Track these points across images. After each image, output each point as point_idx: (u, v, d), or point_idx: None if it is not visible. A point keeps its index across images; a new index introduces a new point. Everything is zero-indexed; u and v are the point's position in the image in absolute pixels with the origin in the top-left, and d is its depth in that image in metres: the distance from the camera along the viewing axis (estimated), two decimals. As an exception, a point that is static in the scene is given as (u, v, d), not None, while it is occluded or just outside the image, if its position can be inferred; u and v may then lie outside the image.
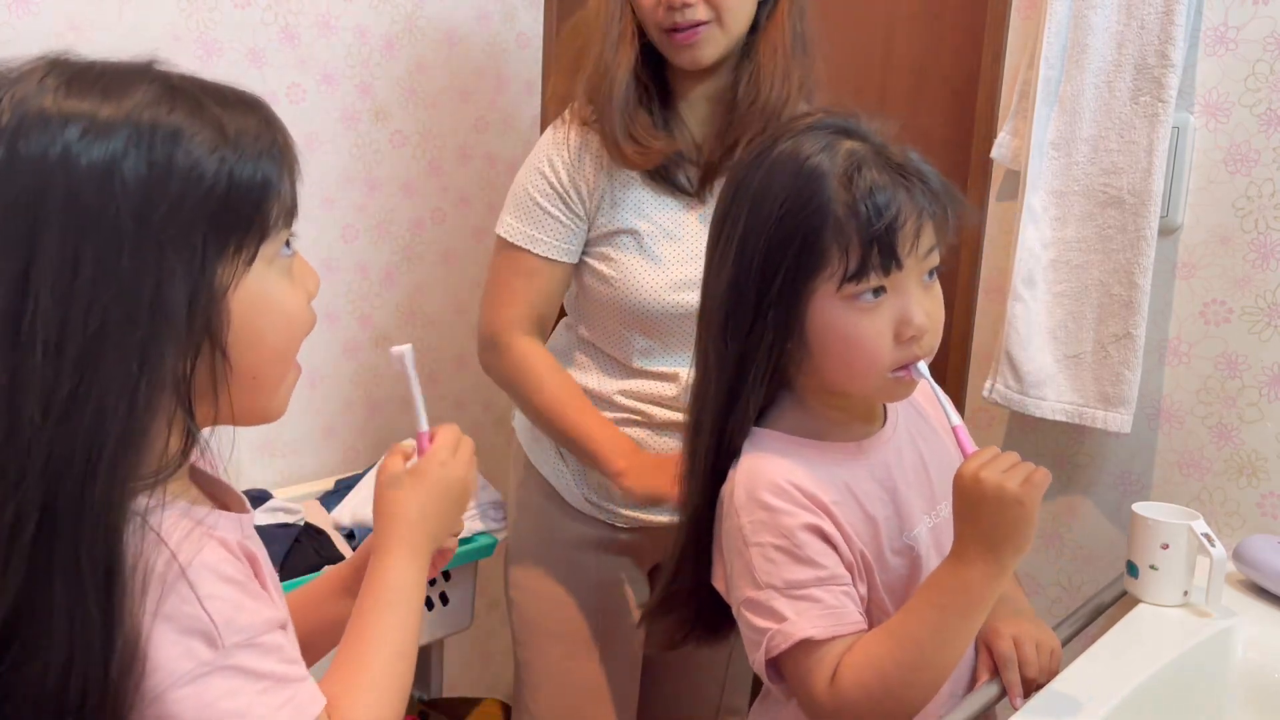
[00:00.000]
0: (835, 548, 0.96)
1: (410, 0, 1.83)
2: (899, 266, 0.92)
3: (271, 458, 1.77)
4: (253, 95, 0.71)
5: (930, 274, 0.96)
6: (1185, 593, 1.14)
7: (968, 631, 0.91)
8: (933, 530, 1.03)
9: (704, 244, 1.27)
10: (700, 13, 1.24)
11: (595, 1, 1.31)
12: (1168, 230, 1.34)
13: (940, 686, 0.94)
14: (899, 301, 0.93)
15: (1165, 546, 1.14)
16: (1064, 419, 1.38)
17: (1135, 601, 1.16)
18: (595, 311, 1.38)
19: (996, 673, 1.02)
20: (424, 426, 0.89)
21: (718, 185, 1.31)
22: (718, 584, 1.03)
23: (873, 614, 0.98)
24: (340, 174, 1.79)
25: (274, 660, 0.68)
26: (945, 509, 1.04)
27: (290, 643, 0.71)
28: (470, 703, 1.81)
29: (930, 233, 0.94)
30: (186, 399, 0.67)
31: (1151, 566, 1.14)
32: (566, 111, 1.36)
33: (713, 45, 1.27)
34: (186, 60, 1.55)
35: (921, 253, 0.94)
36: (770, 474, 0.96)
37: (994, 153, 1.44)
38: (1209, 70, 1.31)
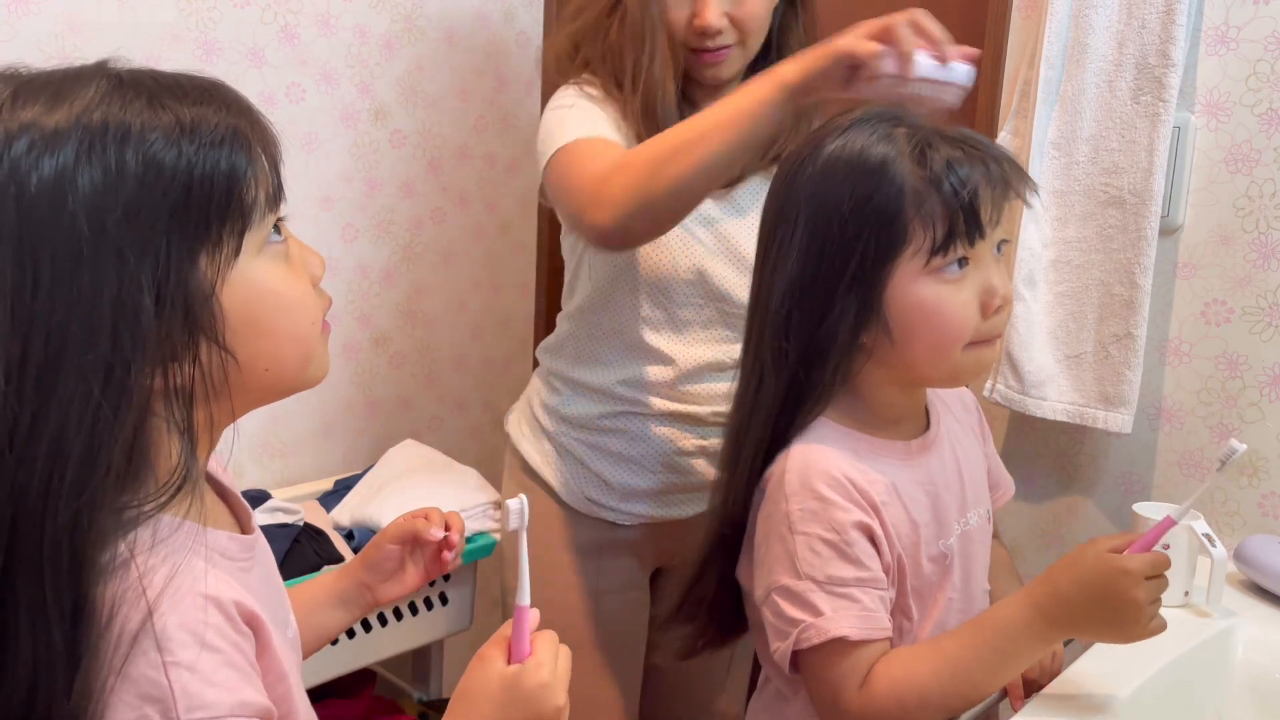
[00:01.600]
0: (879, 549, 0.95)
1: (410, 0, 1.83)
2: (982, 235, 0.93)
3: (271, 458, 1.77)
4: (211, 80, 0.67)
5: (999, 247, 0.97)
6: (1186, 593, 1.14)
7: (1016, 673, 0.94)
8: (961, 537, 1.02)
9: (720, 213, 1.30)
10: (727, 38, 1.27)
11: (632, 9, 1.27)
12: (1168, 230, 1.34)
13: (968, 711, 0.95)
14: (981, 273, 0.95)
15: (1166, 547, 1.13)
16: (1065, 419, 1.38)
17: (1136, 602, 1.16)
18: (604, 277, 1.35)
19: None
20: (525, 600, 0.80)
21: (739, 188, 1.33)
22: (742, 573, 1.02)
23: (895, 617, 0.97)
24: (340, 174, 1.79)
25: None
26: (974, 516, 1.05)
27: None
28: (470, 703, 1.80)
29: (1004, 207, 0.96)
30: (185, 409, 0.63)
31: (1152, 566, 1.14)
32: (584, 88, 1.30)
33: (734, 65, 1.30)
34: (186, 60, 1.57)
35: (996, 223, 0.95)
36: (825, 464, 0.95)
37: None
38: (1210, 70, 1.31)
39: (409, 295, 1.93)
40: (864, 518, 0.93)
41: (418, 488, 1.65)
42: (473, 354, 2.05)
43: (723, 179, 1.13)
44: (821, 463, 0.95)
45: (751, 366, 1.01)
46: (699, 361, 1.34)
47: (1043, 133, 1.37)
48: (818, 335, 0.95)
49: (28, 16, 1.44)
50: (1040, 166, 1.38)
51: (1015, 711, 0.96)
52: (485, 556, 1.63)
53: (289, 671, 0.71)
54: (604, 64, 1.31)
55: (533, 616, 0.79)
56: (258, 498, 1.62)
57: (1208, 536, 1.12)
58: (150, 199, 0.61)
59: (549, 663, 0.78)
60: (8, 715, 0.59)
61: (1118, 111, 1.32)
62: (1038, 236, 1.38)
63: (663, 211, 1.12)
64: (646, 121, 1.29)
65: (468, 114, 1.95)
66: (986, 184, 0.93)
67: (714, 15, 1.25)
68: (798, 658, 0.94)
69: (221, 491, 0.77)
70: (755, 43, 1.30)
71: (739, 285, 1.31)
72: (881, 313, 0.94)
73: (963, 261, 0.94)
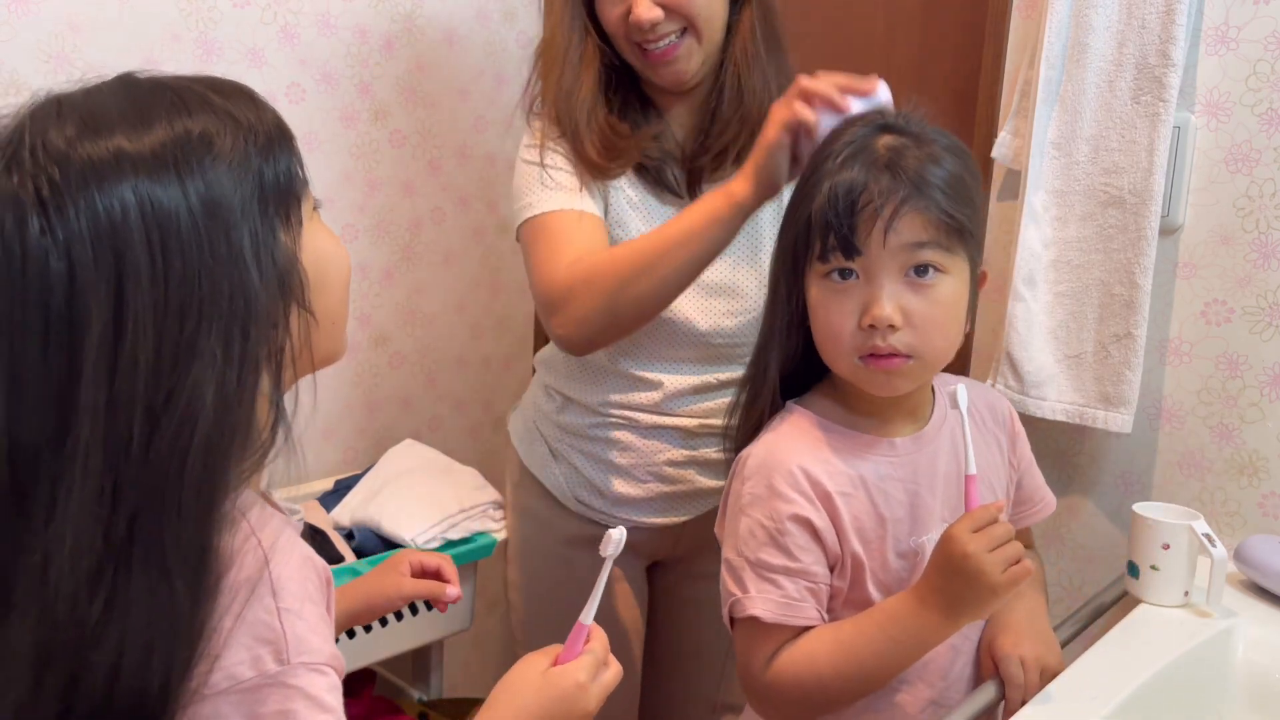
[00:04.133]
0: (822, 542, 0.99)
1: (410, 0, 1.83)
2: (857, 252, 0.94)
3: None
4: (231, 81, 0.75)
5: (923, 271, 0.95)
6: (1186, 593, 1.14)
7: (907, 660, 0.97)
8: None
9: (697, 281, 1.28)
10: (669, 27, 1.21)
11: (552, 25, 1.27)
12: (1168, 230, 1.34)
13: (868, 694, 0.99)
14: (868, 289, 0.95)
15: (1166, 547, 1.14)
16: (1065, 419, 1.38)
17: (1136, 602, 1.16)
18: None
19: (996, 673, 1.03)
20: (589, 620, 0.86)
21: (706, 189, 1.30)
22: (716, 529, 1.08)
23: (851, 610, 1.01)
24: (340, 174, 1.79)
25: (330, 694, 0.68)
26: None
27: (339, 685, 0.70)
28: (470, 703, 1.81)
29: (917, 228, 0.93)
30: (277, 373, 0.70)
31: (1152, 567, 1.14)
32: (539, 125, 1.30)
33: (692, 59, 1.24)
34: (186, 60, 1.57)
35: (895, 244, 0.93)
36: (784, 455, 1.00)
37: (994, 152, 1.44)
38: (1210, 70, 1.30)
39: (409, 295, 1.93)
40: (806, 511, 0.98)
41: (418, 488, 1.65)
42: (473, 354, 2.05)
43: (683, 290, 1.17)
44: (782, 452, 1.00)
45: (765, 323, 1.08)
46: (686, 386, 1.35)
47: (1043, 133, 1.37)
48: (777, 313, 1.03)
49: (28, 16, 1.44)
50: (1040, 166, 1.38)
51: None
52: (485, 556, 1.63)
53: None
54: (542, 74, 1.31)
55: (594, 633, 0.86)
56: (258, 498, 1.62)
57: (1208, 536, 1.12)
58: (243, 190, 0.69)
59: (590, 668, 0.84)
60: (124, 662, 0.64)
61: (1118, 111, 1.32)
62: (1038, 236, 1.38)
63: (627, 324, 1.19)
64: (562, 127, 1.26)
65: (468, 114, 1.95)
66: (875, 199, 0.93)
67: (644, 8, 1.19)
68: (732, 626, 1.02)
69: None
70: (708, 31, 1.23)
71: (725, 315, 1.31)
72: (804, 305, 1.00)
73: (846, 273, 0.96)
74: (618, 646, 1.42)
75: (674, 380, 1.34)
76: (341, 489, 1.74)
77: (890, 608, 0.96)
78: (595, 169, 1.27)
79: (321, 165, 1.76)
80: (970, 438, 0.95)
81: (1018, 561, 0.90)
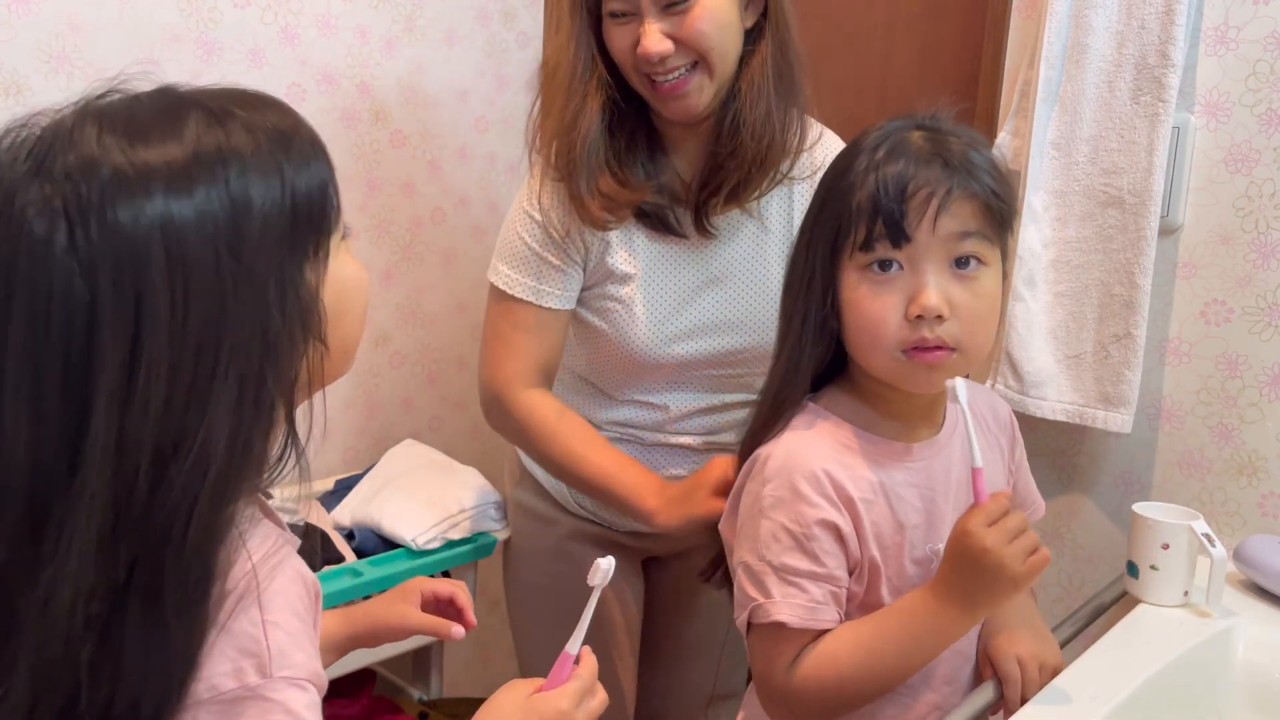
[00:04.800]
0: (845, 547, 0.97)
1: (410, 1, 1.83)
2: (906, 239, 0.92)
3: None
4: (268, 95, 0.74)
5: (965, 263, 0.94)
6: (1186, 593, 1.14)
7: (928, 656, 0.95)
8: None
9: (697, 288, 1.28)
10: (679, 60, 1.17)
11: (557, 49, 1.23)
12: (1168, 230, 1.34)
13: (887, 693, 0.98)
14: (914, 279, 0.93)
15: (1166, 546, 1.14)
16: (1064, 419, 1.38)
17: (1136, 601, 1.16)
18: (586, 350, 1.36)
19: (994, 674, 1.03)
20: (574, 649, 0.85)
21: (712, 223, 1.27)
22: (725, 527, 1.06)
23: (865, 613, 0.99)
24: (340, 174, 1.77)
25: (312, 714, 0.67)
26: None
27: (318, 705, 0.70)
28: (470, 703, 1.81)
29: (964, 217, 0.93)
30: (290, 403, 0.69)
31: (1152, 567, 1.14)
32: (539, 160, 1.28)
33: (703, 94, 1.19)
34: (186, 60, 1.57)
35: (944, 232, 0.93)
36: (807, 458, 0.98)
37: (994, 152, 1.44)
38: (1209, 70, 1.31)
39: (409, 295, 1.93)
40: (831, 516, 0.96)
41: (418, 488, 1.65)
42: (473, 354, 2.04)
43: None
44: (804, 455, 0.98)
45: (780, 327, 1.06)
46: (692, 408, 1.34)
47: (1043, 133, 1.37)
48: (803, 309, 1.00)
49: (28, 16, 1.44)
50: (1040, 166, 1.38)
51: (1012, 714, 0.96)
52: (485, 556, 1.63)
53: None
54: (542, 111, 1.27)
55: (583, 658, 0.85)
56: (258, 498, 1.62)
57: (1207, 536, 1.12)
58: (273, 220, 0.67)
59: (574, 695, 0.83)
60: (117, 696, 0.63)
61: (1117, 111, 1.32)
62: (1038, 237, 1.38)
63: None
64: (560, 163, 1.23)
65: (468, 114, 1.95)
66: (926, 187, 0.92)
67: (653, 41, 1.14)
68: (748, 630, 1.00)
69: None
70: (718, 64, 1.18)
71: (733, 350, 1.30)
72: (836, 300, 0.98)
73: (888, 263, 0.94)
74: (613, 638, 1.43)
75: (681, 404, 1.34)
76: (342, 489, 1.74)
77: (909, 605, 0.95)
78: (590, 220, 1.23)
79: (322, 165, 1.76)
80: (974, 430, 0.94)
81: (1035, 550, 0.89)
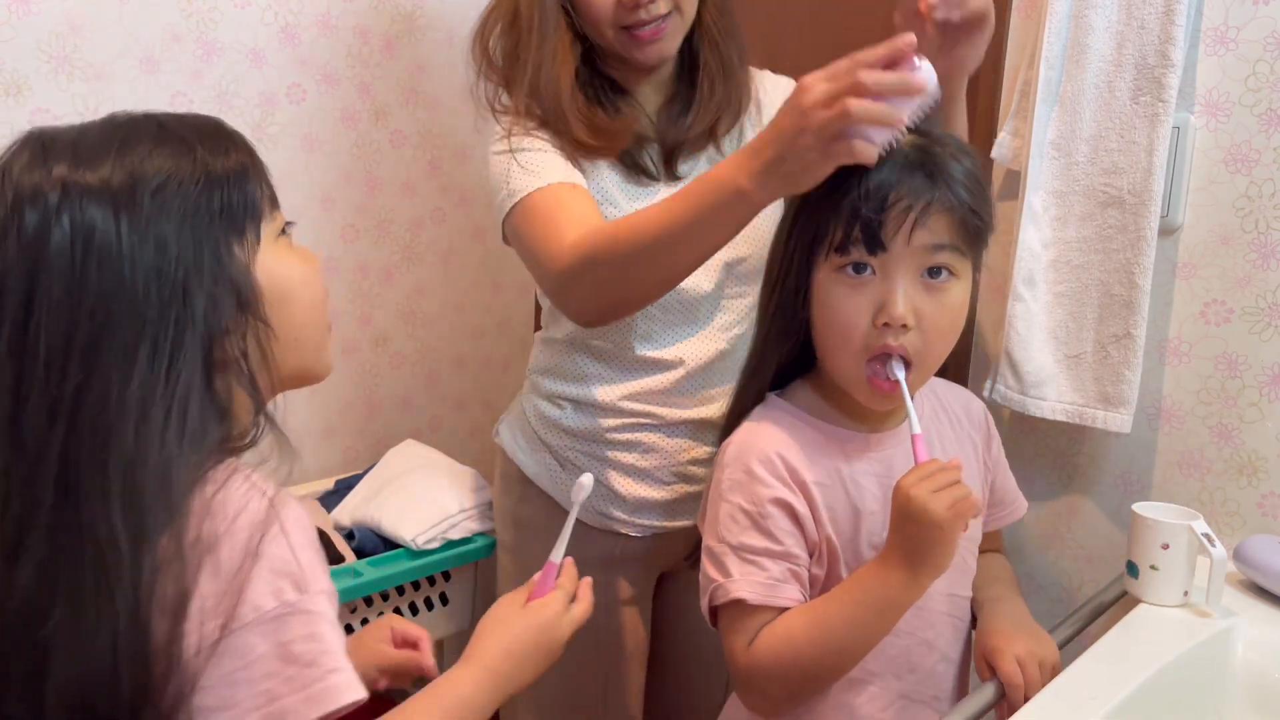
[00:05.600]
0: (802, 527, 1.00)
1: (411, 1, 1.83)
2: (881, 248, 0.95)
3: (272, 458, 1.77)
4: (211, 119, 0.82)
5: (937, 273, 0.96)
6: (1185, 593, 1.14)
7: (881, 627, 0.96)
8: None
9: None
10: (662, 6, 1.21)
11: (513, 6, 1.25)
12: (1168, 230, 1.34)
13: (848, 670, 0.99)
14: (884, 286, 0.96)
15: (1165, 546, 1.14)
16: (1064, 419, 1.38)
17: (1135, 601, 1.16)
18: None
19: (994, 675, 1.03)
20: (557, 558, 0.97)
21: (683, 167, 1.31)
22: (698, 520, 1.10)
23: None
24: (340, 174, 1.79)
25: (331, 624, 0.73)
26: None
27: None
28: (470, 703, 1.81)
29: (940, 229, 0.95)
30: (251, 380, 0.77)
31: (1152, 566, 1.14)
32: (507, 119, 1.28)
33: (675, 37, 1.25)
34: (187, 60, 1.57)
35: (919, 244, 0.95)
36: (762, 443, 1.02)
37: (994, 153, 1.44)
38: (1209, 70, 1.31)
39: (409, 295, 1.93)
40: (786, 495, 1.00)
41: (418, 488, 1.65)
42: (473, 354, 2.05)
43: (693, 271, 1.12)
44: (761, 441, 1.02)
45: (758, 317, 1.10)
46: (709, 355, 1.31)
47: (1042, 133, 1.37)
48: (774, 304, 1.05)
49: (28, 16, 1.44)
50: (1040, 166, 1.38)
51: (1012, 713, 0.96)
52: (485, 557, 1.63)
53: None
54: (505, 66, 1.28)
55: (565, 569, 0.97)
56: (258, 498, 1.62)
57: (1207, 536, 1.12)
58: (176, 196, 0.75)
59: (562, 601, 0.95)
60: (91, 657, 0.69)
61: (1117, 112, 1.32)
62: (1037, 237, 1.38)
63: (635, 308, 1.20)
64: (546, 113, 1.25)
65: (468, 114, 1.94)
66: (907, 197, 0.94)
67: None
68: (715, 615, 1.03)
69: None
70: (689, 10, 1.24)
71: (738, 247, 1.24)
72: (808, 299, 1.01)
73: (861, 267, 0.96)
74: (628, 663, 1.42)
75: (693, 352, 1.31)
76: (342, 489, 1.74)
77: (858, 574, 0.97)
78: (584, 149, 1.26)
79: (322, 166, 1.76)
80: (910, 402, 0.96)
81: (964, 500, 0.90)
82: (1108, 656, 1.03)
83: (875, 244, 0.94)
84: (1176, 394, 1.37)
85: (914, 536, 0.91)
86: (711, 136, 1.31)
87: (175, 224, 0.74)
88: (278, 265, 0.80)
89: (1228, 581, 1.18)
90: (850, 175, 0.95)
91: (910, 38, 0.91)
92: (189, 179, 0.75)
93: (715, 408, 1.32)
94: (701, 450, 1.33)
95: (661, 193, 1.30)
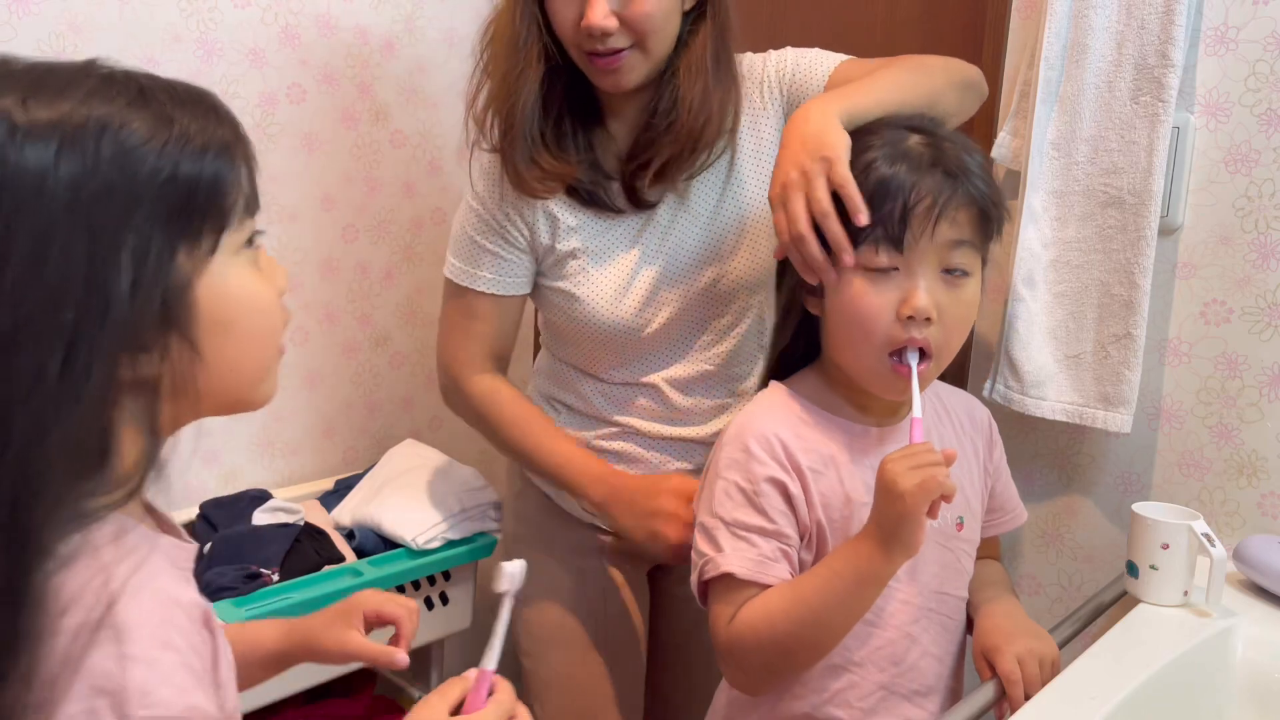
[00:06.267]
0: (794, 508, 1.02)
1: (410, 0, 1.83)
2: (906, 244, 0.97)
3: (271, 458, 1.77)
4: (201, 89, 0.70)
5: (955, 271, 0.99)
6: (1185, 593, 1.14)
7: (856, 602, 0.96)
8: None
9: (636, 263, 1.29)
10: (620, 40, 1.18)
11: (503, 16, 1.24)
12: (1168, 230, 1.34)
13: (826, 650, 0.99)
14: (907, 281, 0.98)
15: (1165, 546, 1.14)
16: (1064, 419, 1.38)
17: (1135, 601, 1.16)
18: (562, 334, 1.36)
19: (994, 675, 1.03)
20: (491, 665, 0.81)
21: (652, 194, 1.28)
22: (695, 505, 1.10)
23: None
24: (341, 174, 1.79)
25: None
26: (939, 519, 1.06)
27: None
28: (470, 703, 1.80)
29: (959, 226, 0.98)
30: (151, 403, 0.63)
31: (1152, 566, 1.14)
32: (478, 135, 1.30)
33: (635, 72, 1.21)
34: (187, 60, 1.57)
35: (940, 241, 0.97)
36: (761, 424, 1.04)
37: (994, 153, 1.44)
38: (1209, 70, 1.31)
39: (409, 295, 1.93)
40: (780, 475, 1.01)
41: (418, 488, 1.65)
42: (473, 354, 2.05)
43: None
44: (759, 422, 1.04)
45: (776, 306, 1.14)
46: (689, 375, 1.34)
47: (1042, 133, 1.37)
48: (787, 295, 1.08)
49: (28, 16, 1.44)
50: (1040, 167, 1.38)
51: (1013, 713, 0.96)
52: (485, 557, 1.63)
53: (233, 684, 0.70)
54: (489, 79, 1.27)
55: (498, 684, 0.80)
56: (258, 498, 1.62)
57: (1207, 536, 1.12)
58: (130, 187, 0.62)
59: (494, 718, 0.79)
60: None
61: (1117, 112, 1.32)
62: (1037, 237, 1.38)
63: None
64: (505, 141, 1.24)
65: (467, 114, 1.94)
66: (929, 195, 0.96)
67: (599, 14, 1.15)
68: (704, 590, 1.04)
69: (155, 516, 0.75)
70: (657, 46, 1.20)
71: (715, 275, 1.30)
72: (825, 292, 1.02)
73: (886, 264, 0.98)
74: (623, 650, 1.43)
75: (673, 373, 1.33)
76: (342, 489, 1.74)
77: (837, 549, 0.98)
78: (523, 188, 1.25)
79: (322, 166, 1.76)
80: (917, 387, 0.97)
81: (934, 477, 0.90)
82: (1108, 656, 1.03)
83: (900, 241, 0.97)
84: (1176, 394, 1.37)
85: (884, 509, 0.92)
86: (664, 176, 1.26)
87: (119, 205, 0.61)
88: (230, 284, 0.67)
89: (1227, 581, 1.18)
90: (866, 174, 0.98)
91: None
92: (152, 157, 0.63)
93: (695, 429, 1.35)
94: (683, 464, 1.35)
95: (629, 222, 1.29)
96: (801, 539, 1.03)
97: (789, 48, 1.32)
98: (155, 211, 0.62)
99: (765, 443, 1.02)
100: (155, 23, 1.55)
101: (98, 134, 0.61)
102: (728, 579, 1.00)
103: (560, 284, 1.31)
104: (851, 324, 1.00)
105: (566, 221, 1.29)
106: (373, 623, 0.95)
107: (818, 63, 1.28)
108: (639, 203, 1.29)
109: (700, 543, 1.03)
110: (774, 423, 1.04)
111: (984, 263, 1.03)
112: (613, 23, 1.16)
